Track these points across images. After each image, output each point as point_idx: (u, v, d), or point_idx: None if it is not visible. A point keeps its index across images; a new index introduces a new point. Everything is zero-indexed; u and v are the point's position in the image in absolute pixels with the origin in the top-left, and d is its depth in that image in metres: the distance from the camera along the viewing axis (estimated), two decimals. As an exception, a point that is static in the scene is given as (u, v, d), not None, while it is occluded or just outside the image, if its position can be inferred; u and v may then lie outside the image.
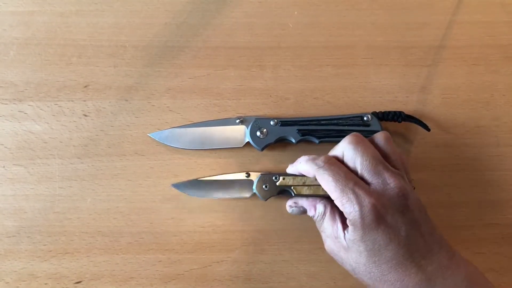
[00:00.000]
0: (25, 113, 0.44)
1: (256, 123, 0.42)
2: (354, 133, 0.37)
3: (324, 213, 0.37)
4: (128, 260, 0.42)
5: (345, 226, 0.35)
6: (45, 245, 0.42)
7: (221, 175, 0.42)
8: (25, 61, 0.45)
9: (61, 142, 0.43)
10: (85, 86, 0.44)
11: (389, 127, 0.44)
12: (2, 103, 0.44)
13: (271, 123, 0.42)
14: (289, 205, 0.40)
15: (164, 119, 0.44)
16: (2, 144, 0.43)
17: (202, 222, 0.43)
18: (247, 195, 0.42)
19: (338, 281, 0.42)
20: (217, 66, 0.45)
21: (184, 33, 0.46)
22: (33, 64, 0.45)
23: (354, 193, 0.33)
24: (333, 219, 0.36)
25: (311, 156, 0.37)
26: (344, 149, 0.36)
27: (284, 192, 0.41)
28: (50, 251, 0.42)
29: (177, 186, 0.42)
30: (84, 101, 0.44)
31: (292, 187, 0.40)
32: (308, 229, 0.43)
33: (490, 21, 0.47)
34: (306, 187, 0.40)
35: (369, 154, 0.35)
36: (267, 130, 0.42)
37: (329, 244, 0.37)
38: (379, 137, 0.37)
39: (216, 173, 0.43)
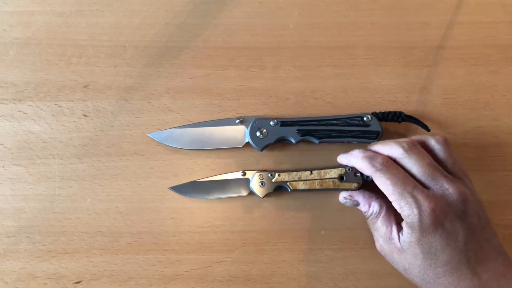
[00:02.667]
0: (25, 113, 0.44)
1: (256, 123, 0.42)
2: (406, 140, 0.37)
3: (379, 213, 0.37)
4: (127, 260, 0.42)
5: (399, 228, 0.35)
6: (44, 245, 0.42)
7: (218, 175, 0.42)
8: (25, 61, 0.45)
9: (60, 142, 0.43)
10: (85, 86, 0.44)
11: (389, 128, 0.44)
12: (2, 103, 0.44)
13: (271, 123, 0.42)
14: (344, 196, 0.40)
15: (164, 119, 0.44)
16: (1, 144, 0.43)
17: (202, 223, 0.42)
18: (245, 193, 0.42)
19: (338, 281, 0.42)
20: (217, 66, 0.45)
21: (184, 33, 0.46)
22: (33, 64, 0.45)
23: (413, 197, 0.33)
24: (388, 220, 0.37)
25: (367, 154, 0.37)
26: (398, 156, 0.36)
27: (281, 188, 0.41)
28: (50, 251, 0.42)
29: (175, 188, 0.42)
30: (84, 101, 0.44)
31: (288, 183, 0.41)
32: (308, 229, 0.43)
33: (490, 21, 0.47)
34: (301, 182, 0.40)
35: (425, 161, 0.35)
36: (267, 130, 0.42)
37: (382, 244, 0.37)
38: (436, 141, 0.37)
39: (216, 173, 0.43)
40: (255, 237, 0.42)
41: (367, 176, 0.40)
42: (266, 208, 0.43)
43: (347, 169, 0.41)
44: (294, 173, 0.41)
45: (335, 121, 0.42)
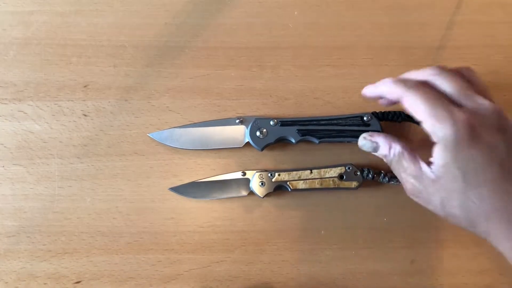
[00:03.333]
0: (25, 113, 0.44)
1: (256, 123, 0.42)
2: (437, 65, 0.34)
3: (402, 152, 0.35)
4: (127, 260, 0.42)
5: (429, 163, 0.32)
6: (44, 245, 0.42)
7: (218, 175, 0.42)
8: (25, 61, 0.45)
9: (60, 142, 0.43)
10: (85, 86, 0.44)
11: (389, 127, 0.44)
12: (2, 103, 0.44)
13: (271, 123, 0.42)
14: (364, 136, 0.38)
15: (164, 119, 0.44)
16: (1, 144, 0.43)
17: (202, 222, 0.42)
18: (245, 193, 0.42)
19: (338, 281, 0.42)
20: (217, 66, 0.45)
21: (184, 33, 0.46)
22: (33, 64, 0.45)
23: (448, 110, 0.30)
24: (414, 158, 0.34)
25: (400, 78, 0.35)
26: (430, 77, 0.33)
27: (281, 188, 0.41)
28: (50, 251, 0.42)
29: (175, 189, 0.42)
30: (84, 101, 0.44)
31: (288, 182, 0.41)
32: (308, 229, 0.43)
33: (490, 21, 0.47)
34: (301, 182, 0.41)
35: (458, 80, 0.33)
36: (266, 130, 0.42)
37: (412, 182, 0.34)
38: (464, 69, 0.35)
39: (216, 173, 0.43)
40: (255, 237, 0.42)
41: (367, 175, 0.40)
42: (266, 208, 0.43)
43: (347, 168, 0.41)
44: (294, 172, 0.41)
45: (335, 121, 0.42)
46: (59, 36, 0.45)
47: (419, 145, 0.34)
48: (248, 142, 0.42)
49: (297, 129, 0.42)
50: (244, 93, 0.45)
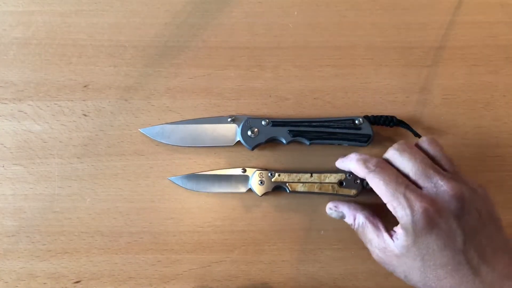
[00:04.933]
0: (25, 113, 0.44)
1: (247, 123, 0.42)
2: (401, 141, 0.36)
3: (365, 225, 0.36)
4: (127, 260, 0.42)
5: (392, 233, 0.34)
6: (44, 244, 0.42)
7: (218, 170, 0.42)
8: (25, 61, 0.45)
9: (60, 141, 0.43)
10: (85, 86, 0.44)
11: (381, 132, 0.44)
12: (2, 103, 0.44)
13: (263, 123, 0.42)
14: (329, 207, 0.40)
15: (164, 119, 0.44)
16: (1, 144, 0.43)
17: (202, 222, 0.42)
18: (243, 190, 0.42)
19: (337, 281, 0.42)
20: (217, 66, 0.45)
21: (184, 33, 0.46)
22: (33, 64, 0.45)
23: (405, 197, 0.32)
24: (377, 229, 0.36)
25: (362, 157, 0.36)
26: (391, 155, 0.35)
27: (279, 188, 0.41)
28: (49, 250, 0.42)
29: (174, 179, 0.42)
30: (84, 100, 0.44)
31: (287, 184, 0.41)
32: (308, 229, 0.43)
33: (490, 21, 0.47)
34: (301, 184, 0.41)
35: (417, 159, 0.34)
36: (258, 129, 0.42)
37: (378, 254, 0.36)
38: (425, 141, 0.36)
39: (216, 173, 0.43)
40: (254, 237, 0.42)
41: (367, 184, 0.40)
42: (266, 208, 0.43)
43: (347, 175, 0.40)
44: (294, 174, 0.41)
45: (326, 123, 0.42)
46: (59, 36, 0.45)
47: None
48: (239, 141, 0.42)
49: (288, 130, 0.42)
50: (244, 93, 0.45)
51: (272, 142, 0.43)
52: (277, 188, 0.41)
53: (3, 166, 0.43)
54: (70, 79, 0.44)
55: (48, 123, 0.44)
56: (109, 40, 0.45)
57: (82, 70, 0.45)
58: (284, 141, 0.42)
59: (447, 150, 0.43)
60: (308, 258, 0.42)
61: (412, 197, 0.32)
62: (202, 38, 0.46)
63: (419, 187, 0.33)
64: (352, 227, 0.39)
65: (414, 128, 0.43)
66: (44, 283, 0.41)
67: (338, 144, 0.42)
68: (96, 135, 0.43)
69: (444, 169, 0.35)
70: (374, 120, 0.42)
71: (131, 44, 0.45)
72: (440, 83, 0.45)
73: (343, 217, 0.39)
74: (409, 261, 0.33)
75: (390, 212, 0.34)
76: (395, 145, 0.36)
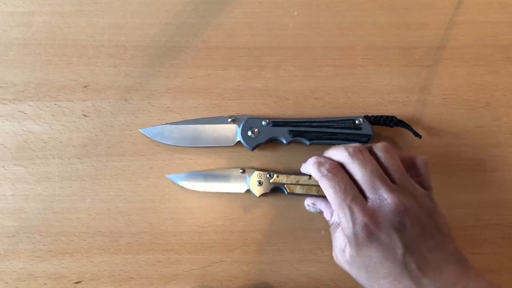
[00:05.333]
0: (25, 113, 0.44)
1: (247, 123, 0.42)
2: (354, 144, 0.36)
3: (339, 224, 0.36)
4: (127, 260, 0.42)
5: None
6: (44, 245, 0.42)
7: (216, 169, 0.42)
8: (25, 61, 0.45)
9: (60, 142, 0.43)
10: (85, 86, 0.44)
11: (381, 132, 0.44)
12: (2, 103, 0.44)
13: (263, 123, 0.42)
14: (307, 203, 0.40)
15: (164, 119, 0.44)
16: (1, 144, 0.43)
17: (202, 223, 0.42)
18: (241, 190, 0.42)
19: (337, 281, 0.42)
20: (217, 66, 0.45)
21: (184, 33, 0.46)
22: (33, 64, 0.45)
23: (350, 209, 0.33)
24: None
25: (319, 160, 0.36)
26: (344, 160, 0.35)
27: (278, 190, 0.41)
28: (50, 251, 0.42)
29: (172, 177, 0.42)
30: (84, 101, 0.44)
31: (285, 185, 0.41)
32: (308, 229, 0.43)
33: (490, 21, 0.47)
34: (299, 186, 0.41)
35: (367, 168, 0.34)
36: (258, 130, 0.42)
37: (336, 254, 0.36)
38: (378, 148, 0.36)
39: (216, 173, 0.43)
40: (255, 237, 0.42)
41: None
42: (266, 208, 0.43)
43: None
44: (293, 176, 0.41)
45: (327, 123, 0.42)
46: (60, 36, 0.45)
47: None
48: (239, 141, 0.42)
49: (288, 130, 0.42)
50: (244, 93, 0.45)
51: (272, 142, 0.43)
52: (275, 190, 0.41)
53: (3, 167, 0.43)
54: (70, 80, 0.44)
55: (48, 123, 0.44)
56: (109, 41, 0.45)
57: (82, 70, 0.45)
58: (285, 141, 0.42)
59: (447, 150, 0.44)
60: (308, 258, 0.42)
61: (355, 209, 0.33)
62: (202, 38, 0.46)
63: (365, 196, 0.34)
64: (329, 222, 0.38)
65: (414, 128, 0.43)
66: (45, 284, 0.41)
67: (339, 144, 0.42)
68: (96, 135, 0.43)
69: (393, 180, 0.34)
70: (374, 120, 0.42)
71: (131, 44, 0.45)
72: (440, 83, 0.45)
73: (321, 212, 0.40)
74: (356, 271, 0.34)
75: None
76: (350, 149, 0.35)
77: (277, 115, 0.44)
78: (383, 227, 0.32)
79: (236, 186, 0.42)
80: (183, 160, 0.43)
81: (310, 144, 0.42)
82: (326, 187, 0.34)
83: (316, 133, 0.42)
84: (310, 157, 0.43)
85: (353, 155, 0.35)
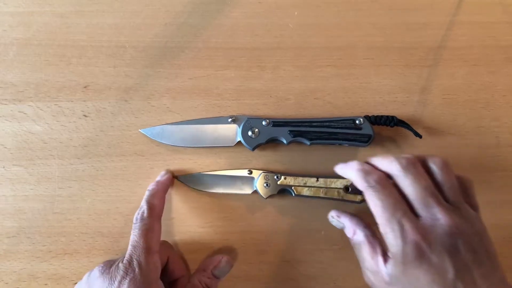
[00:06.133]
0: (25, 114, 0.44)
1: (248, 123, 0.42)
2: (407, 156, 0.34)
3: (362, 243, 0.35)
4: (128, 260, 0.42)
5: (386, 258, 0.33)
6: (44, 245, 0.42)
7: (224, 170, 0.42)
8: (25, 61, 0.45)
9: (60, 142, 0.43)
10: (85, 87, 0.44)
11: (381, 132, 0.44)
12: (2, 104, 0.44)
13: (263, 123, 0.42)
14: (332, 215, 0.39)
15: (164, 120, 0.44)
16: (1, 145, 0.43)
17: (202, 223, 0.42)
18: (248, 191, 0.42)
19: (337, 282, 0.42)
20: (217, 67, 0.45)
21: (184, 34, 0.46)
22: (33, 65, 0.45)
23: (400, 225, 0.31)
24: (374, 251, 0.34)
25: (363, 167, 0.34)
26: (395, 172, 0.33)
27: (285, 192, 0.41)
28: (50, 251, 0.42)
29: (182, 178, 0.42)
30: (84, 101, 0.44)
31: (292, 187, 0.41)
32: (308, 230, 0.43)
33: (490, 21, 0.47)
34: (306, 188, 0.40)
35: (421, 184, 0.32)
36: (258, 130, 0.42)
37: (369, 276, 0.34)
38: (434, 163, 0.34)
39: (216, 174, 0.43)
40: (255, 237, 0.42)
41: None
42: (266, 209, 0.43)
43: None
44: (300, 178, 0.41)
45: (327, 123, 0.42)
46: (59, 37, 0.45)
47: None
48: (239, 142, 0.42)
49: (289, 130, 0.42)
50: (244, 94, 0.45)
51: (272, 142, 0.43)
52: (282, 191, 0.41)
53: (4, 167, 0.43)
54: (70, 80, 0.44)
55: (48, 123, 0.44)
56: (109, 41, 0.45)
57: (82, 70, 0.45)
58: (285, 141, 0.42)
59: (447, 150, 0.44)
60: (309, 258, 0.42)
61: (407, 226, 0.31)
62: (202, 38, 0.46)
63: (416, 214, 0.32)
64: (350, 241, 0.38)
65: (415, 128, 0.43)
66: (45, 284, 0.41)
67: (339, 144, 0.42)
68: (96, 135, 0.43)
69: (447, 199, 0.33)
70: (375, 120, 0.42)
71: (131, 44, 0.45)
72: (440, 83, 0.45)
73: (343, 228, 0.38)
74: None
75: None
76: (402, 161, 0.33)
77: (277, 115, 0.44)
78: (435, 248, 0.30)
79: (243, 188, 0.42)
80: (183, 161, 0.43)
81: (311, 144, 0.42)
82: (374, 200, 0.32)
83: (316, 133, 0.42)
84: (311, 157, 0.43)
85: (406, 168, 0.33)
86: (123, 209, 0.42)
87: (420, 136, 0.42)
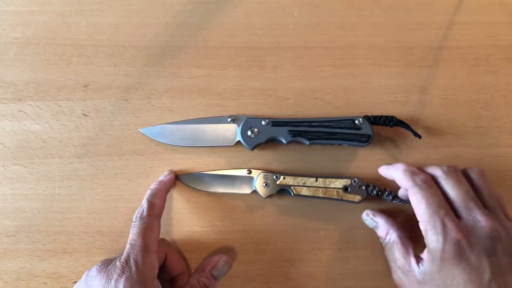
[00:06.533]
0: (25, 113, 0.44)
1: (247, 123, 0.42)
2: (448, 164, 0.37)
3: (395, 243, 0.37)
4: (127, 260, 0.42)
5: (419, 259, 0.34)
6: (44, 244, 0.42)
7: (223, 170, 0.42)
8: (25, 60, 0.45)
9: (60, 141, 0.43)
10: (85, 86, 0.44)
11: (381, 132, 0.44)
12: (2, 103, 0.44)
13: (263, 123, 0.42)
14: (366, 213, 0.40)
15: (164, 119, 0.44)
16: (1, 144, 0.43)
17: (202, 222, 0.42)
18: (248, 191, 0.42)
19: (338, 281, 0.42)
20: (217, 66, 0.45)
21: (184, 33, 0.46)
22: (33, 64, 0.45)
23: (442, 222, 0.32)
24: (406, 251, 0.36)
25: (411, 169, 0.36)
26: (438, 175, 0.36)
27: (284, 191, 0.41)
28: (49, 250, 0.42)
29: (181, 177, 0.42)
30: (84, 100, 0.44)
31: (292, 187, 0.41)
32: (308, 229, 0.43)
33: (490, 21, 0.47)
34: (305, 188, 0.40)
35: (462, 188, 0.34)
36: (258, 129, 0.42)
37: (400, 275, 0.36)
38: (473, 172, 0.37)
39: (216, 173, 0.43)
40: (255, 237, 0.42)
41: (372, 190, 0.40)
42: (266, 208, 0.43)
43: (352, 181, 0.40)
44: (299, 178, 0.41)
45: (326, 123, 0.42)
46: (59, 36, 0.45)
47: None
48: (239, 141, 0.42)
49: (288, 130, 0.42)
50: (244, 93, 0.45)
51: (272, 142, 0.43)
52: (282, 191, 0.41)
53: (3, 166, 0.43)
54: (70, 79, 0.44)
55: (48, 123, 0.44)
56: (109, 40, 0.45)
57: (82, 70, 0.45)
58: (284, 141, 0.42)
59: (447, 150, 0.44)
60: (308, 258, 0.42)
61: (449, 224, 0.32)
62: (202, 38, 0.46)
63: (457, 216, 0.34)
64: (381, 240, 0.39)
65: (414, 128, 0.43)
66: (44, 283, 0.41)
67: (338, 144, 0.42)
68: (96, 135, 0.44)
69: (485, 205, 0.35)
70: (374, 120, 0.42)
71: (131, 44, 0.45)
72: (440, 83, 0.45)
73: (376, 227, 0.39)
74: None
75: (422, 236, 0.34)
76: (444, 168, 0.36)
77: (277, 115, 0.44)
78: (475, 249, 0.32)
79: (242, 187, 0.42)
80: (183, 160, 0.43)
81: (310, 144, 0.42)
82: (418, 197, 0.34)
83: (316, 133, 0.42)
84: (310, 156, 0.43)
85: (447, 173, 0.35)
86: (123, 208, 0.42)
87: (420, 136, 0.42)
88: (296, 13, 0.47)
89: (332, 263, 0.42)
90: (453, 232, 0.32)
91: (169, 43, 0.46)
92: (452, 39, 0.46)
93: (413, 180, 0.35)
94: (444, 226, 0.32)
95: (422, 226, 0.34)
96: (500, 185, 0.43)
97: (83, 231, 0.42)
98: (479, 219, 0.33)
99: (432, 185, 0.35)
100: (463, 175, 0.36)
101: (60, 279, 0.41)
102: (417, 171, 0.36)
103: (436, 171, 0.36)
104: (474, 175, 0.36)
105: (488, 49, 0.46)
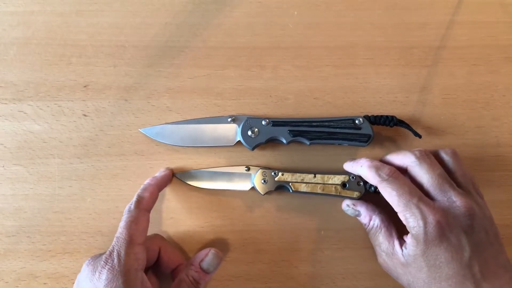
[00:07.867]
0: (25, 113, 0.44)
1: (247, 122, 0.42)
2: (420, 149, 0.37)
3: (380, 227, 0.37)
4: (127, 260, 0.42)
5: (402, 242, 0.35)
6: (44, 244, 0.42)
7: (222, 167, 0.42)
8: (25, 61, 0.45)
9: (60, 142, 0.43)
10: (85, 86, 0.44)
11: (381, 132, 0.44)
12: (2, 103, 0.44)
13: (263, 123, 0.42)
14: (347, 203, 0.40)
15: (164, 119, 0.44)
16: (1, 144, 0.43)
17: (202, 222, 0.42)
18: (246, 188, 0.42)
19: (337, 281, 0.42)
20: (217, 66, 0.45)
21: (184, 33, 0.46)
22: (33, 64, 0.45)
23: (419, 208, 0.33)
24: (390, 235, 0.37)
25: (374, 163, 0.37)
26: (410, 163, 0.36)
27: (282, 188, 0.41)
28: (50, 250, 0.42)
29: (178, 175, 0.42)
30: (84, 101, 0.44)
31: (290, 183, 0.41)
32: (308, 229, 0.43)
33: (490, 21, 0.47)
34: (304, 184, 0.41)
35: (435, 172, 0.35)
36: (258, 129, 0.42)
37: (384, 259, 0.37)
38: (446, 153, 0.37)
39: (216, 173, 0.43)
40: (255, 236, 0.42)
41: (370, 186, 0.40)
42: (266, 208, 0.43)
43: (351, 177, 0.40)
44: (298, 174, 0.41)
45: (326, 123, 0.42)
46: (59, 36, 0.45)
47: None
48: (239, 141, 0.42)
49: (288, 130, 0.42)
50: (244, 93, 0.45)
51: (272, 142, 0.43)
52: (280, 188, 0.41)
53: (3, 166, 0.43)
54: (70, 79, 0.44)
55: (48, 123, 0.44)
56: (109, 40, 0.45)
57: (82, 70, 0.45)
58: (284, 141, 0.42)
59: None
60: (308, 258, 0.42)
61: (425, 208, 0.33)
62: (202, 38, 0.46)
63: (431, 198, 0.34)
64: (365, 226, 0.39)
65: (414, 128, 0.43)
66: (45, 283, 0.41)
67: (338, 144, 0.42)
68: (96, 135, 0.44)
69: (458, 185, 0.36)
70: (374, 120, 0.42)
71: (131, 44, 0.45)
72: (440, 83, 0.45)
73: (358, 215, 0.40)
74: (414, 271, 0.34)
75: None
76: (416, 152, 0.36)
77: (277, 115, 0.44)
78: (454, 228, 0.33)
79: (241, 184, 0.42)
80: (183, 160, 0.43)
81: (310, 144, 0.42)
82: (389, 191, 0.35)
83: (316, 133, 0.42)
84: (310, 156, 0.43)
85: (420, 158, 0.36)
86: (123, 208, 0.42)
87: (420, 136, 0.42)
88: (295, 13, 0.47)
89: (332, 263, 0.42)
90: (431, 215, 0.33)
91: (169, 43, 0.46)
92: (452, 39, 0.46)
93: (379, 176, 0.36)
94: (421, 210, 0.33)
95: (401, 216, 0.34)
96: (500, 185, 0.43)
97: (83, 231, 0.42)
98: (454, 200, 0.34)
99: (398, 176, 0.35)
100: (436, 157, 0.37)
101: (60, 279, 0.41)
102: (381, 165, 0.37)
103: (409, 157, 0.36)
104: (446, 156, 0.37)
105: (488, 49, 0.46)
